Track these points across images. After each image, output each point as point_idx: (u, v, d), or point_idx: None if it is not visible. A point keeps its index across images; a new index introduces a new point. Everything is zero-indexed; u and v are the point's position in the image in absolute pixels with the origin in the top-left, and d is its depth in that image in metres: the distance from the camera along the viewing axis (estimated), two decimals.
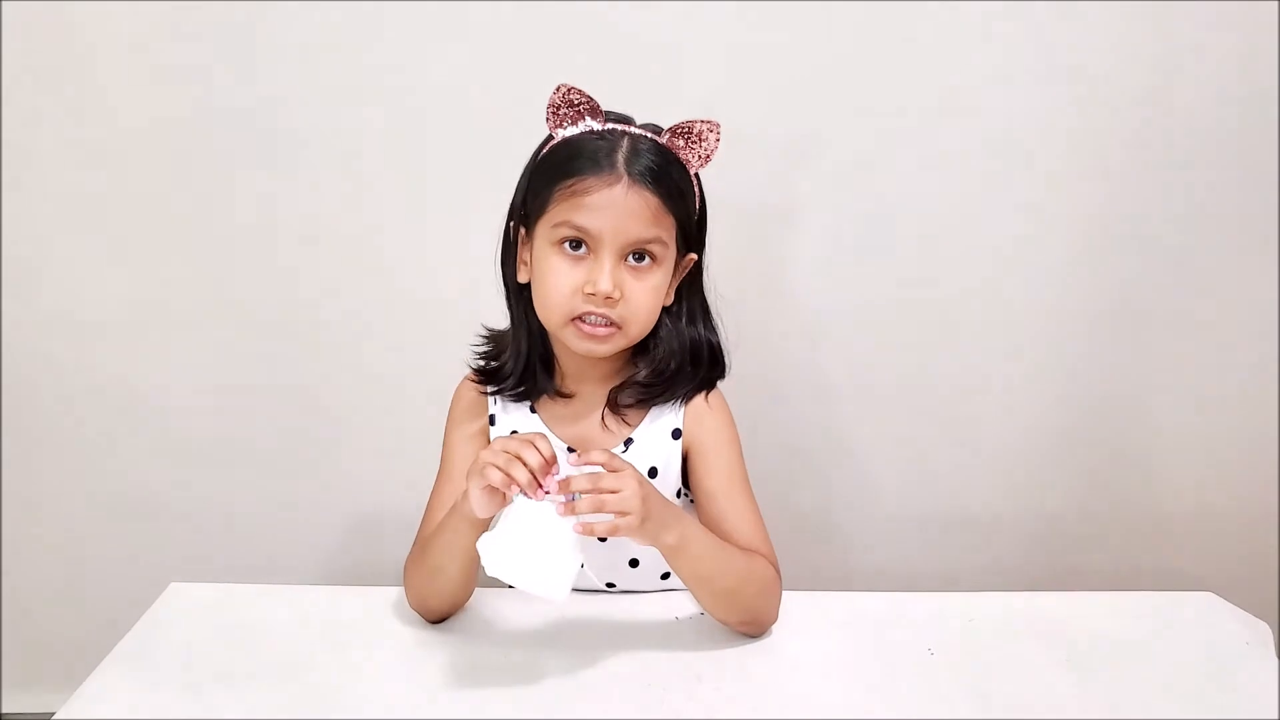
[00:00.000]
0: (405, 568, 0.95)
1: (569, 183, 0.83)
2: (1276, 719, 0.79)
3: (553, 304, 0.87)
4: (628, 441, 0.95)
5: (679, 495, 0.98)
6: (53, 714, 0.81)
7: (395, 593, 0.98)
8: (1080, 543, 1.55)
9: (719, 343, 0.97)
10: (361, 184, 1.34)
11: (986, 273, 1.39)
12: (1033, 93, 1.29)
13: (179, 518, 1.52)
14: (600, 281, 0.83)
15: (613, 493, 0.79)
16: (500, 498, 0.82)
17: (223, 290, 1.40)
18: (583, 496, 0.78)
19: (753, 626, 0.92)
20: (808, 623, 0.94)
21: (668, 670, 0.86)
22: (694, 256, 0.93)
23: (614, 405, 0.94)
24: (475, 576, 0.92)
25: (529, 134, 0.92)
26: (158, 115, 1.30)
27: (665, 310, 0.93)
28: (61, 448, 1.48)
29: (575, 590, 1.02)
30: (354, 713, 0.81)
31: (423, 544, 0.93)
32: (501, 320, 0.99)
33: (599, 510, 0.79)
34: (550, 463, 0.80)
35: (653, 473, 0.95)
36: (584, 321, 0.86)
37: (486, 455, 0.80)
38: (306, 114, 1.30)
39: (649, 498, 0.81)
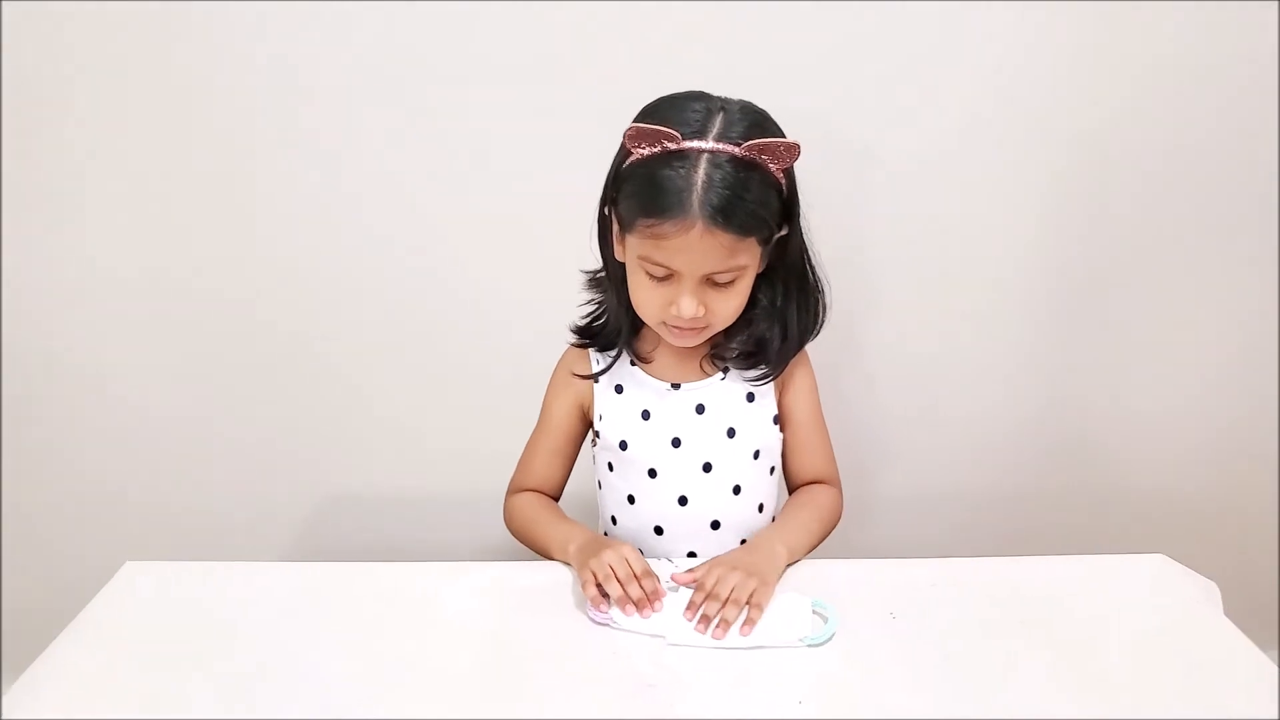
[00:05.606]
0: (505, 510, 1.08)
1: (648, 223, 0.85)
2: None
3: (645, 313, 0.94)
4: (725, 369, 1.02)
5: (774, 422, 1.03)
6: None
7: (350, 568, 0.98)
8: (1047, 522, 1.57)
9: (819, 302, 1.00)
10: (338, 175, 1.33)
11: (967, 257, 1.40)
12: (1020, 83, 1.29)
13: (141, 504, 1.51)
14: (683, 308, 0.88)
15: (729, 596, 0.86)
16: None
17: (188, 277, 1.38)
18: (724, 613, 0.86)
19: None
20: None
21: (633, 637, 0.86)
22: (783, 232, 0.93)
23: (713, 359, 1.01)
24: None
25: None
26: (143, 112, 1.29)
27: (757, 293, 0.96)
28: (29, 436, 1.47)
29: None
30: (312, 686, 0.80)
31: (525, 517, 1.04)
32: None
33: (737, 610, 0.86)
34: (653, 597, 0.88)
35: (749, 397, 1.01)
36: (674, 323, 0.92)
37: (596, 574, 0.88)
38: (301, 108, 1.29)
39: (742, 562, 0.90)
